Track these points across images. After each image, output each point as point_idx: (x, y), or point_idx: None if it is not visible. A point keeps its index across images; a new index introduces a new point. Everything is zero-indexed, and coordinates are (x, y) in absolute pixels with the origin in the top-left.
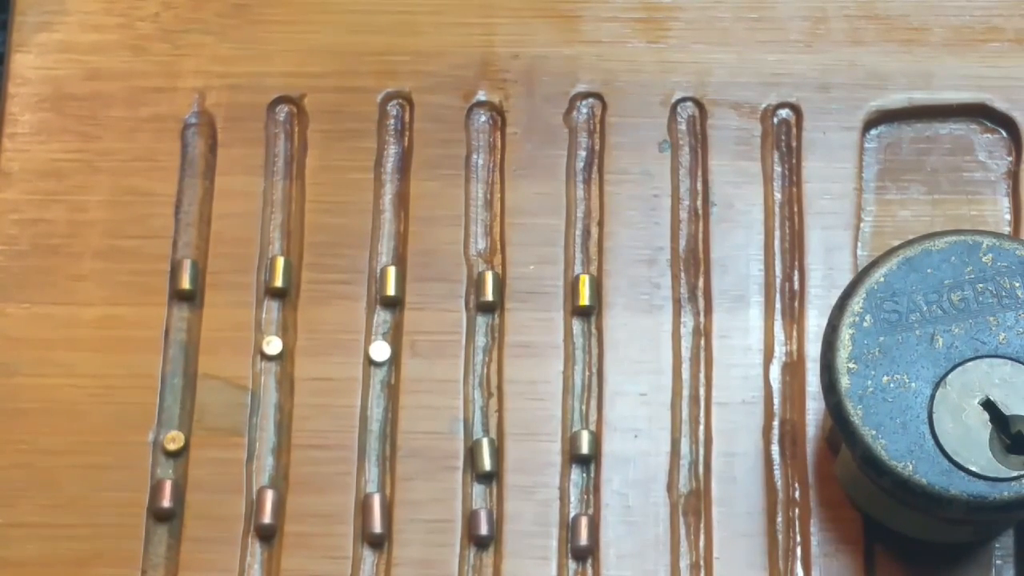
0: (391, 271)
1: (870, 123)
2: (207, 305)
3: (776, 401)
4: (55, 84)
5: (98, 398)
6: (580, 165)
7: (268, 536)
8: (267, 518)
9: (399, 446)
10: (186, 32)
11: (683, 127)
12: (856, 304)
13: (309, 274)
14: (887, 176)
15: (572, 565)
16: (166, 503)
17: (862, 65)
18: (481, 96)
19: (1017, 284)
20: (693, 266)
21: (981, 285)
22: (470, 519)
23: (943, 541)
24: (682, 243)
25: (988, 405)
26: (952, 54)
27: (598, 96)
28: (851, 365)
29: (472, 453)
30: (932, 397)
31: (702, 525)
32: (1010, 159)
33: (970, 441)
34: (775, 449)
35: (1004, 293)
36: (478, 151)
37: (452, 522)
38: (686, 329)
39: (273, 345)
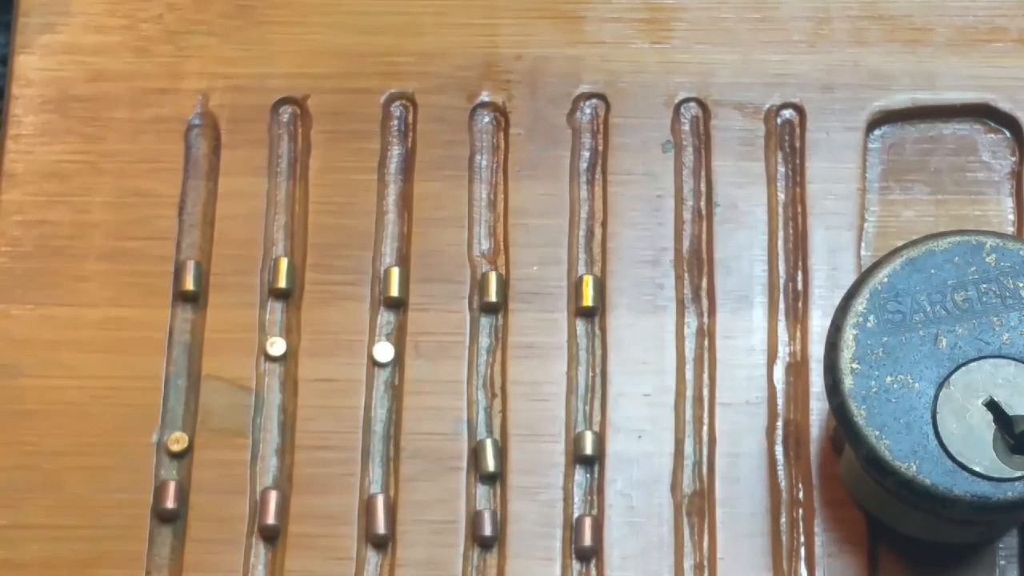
0: (395, 272)
1: (874, 123)
2: (211, 306)
3: (780, 402)
4: (59, 86)
5: (102, 399)
6: (584, 166)
7: (272, 537)
8: (271, 519)
9: (403, 447)
10: (190, 33)
11: (686, 128)
12: (860, 304)
13: (313, 275)
14: (891, 176)
15: (576, 566)
16: (170, 504)
17: (865, 65)
18: (484, 97)
19: (1021, 284)
20: (697, 267)
21: (985, 285)
22: (474, 520)
23: (947, 541)
24: (686, 244)
25: (992, 405)
26: (956, 54)
27: (601, 97)
28: (855, 366)
29: (476, 454)
30: (936, 397)
31: (706, 525)
32: (1014, 159)
33: (974, 441)
34: (779, 450)
35: (1008, 293)
36: (481, 152)
37: (456, 523)
38: (690, 330)
39: (277, 346)
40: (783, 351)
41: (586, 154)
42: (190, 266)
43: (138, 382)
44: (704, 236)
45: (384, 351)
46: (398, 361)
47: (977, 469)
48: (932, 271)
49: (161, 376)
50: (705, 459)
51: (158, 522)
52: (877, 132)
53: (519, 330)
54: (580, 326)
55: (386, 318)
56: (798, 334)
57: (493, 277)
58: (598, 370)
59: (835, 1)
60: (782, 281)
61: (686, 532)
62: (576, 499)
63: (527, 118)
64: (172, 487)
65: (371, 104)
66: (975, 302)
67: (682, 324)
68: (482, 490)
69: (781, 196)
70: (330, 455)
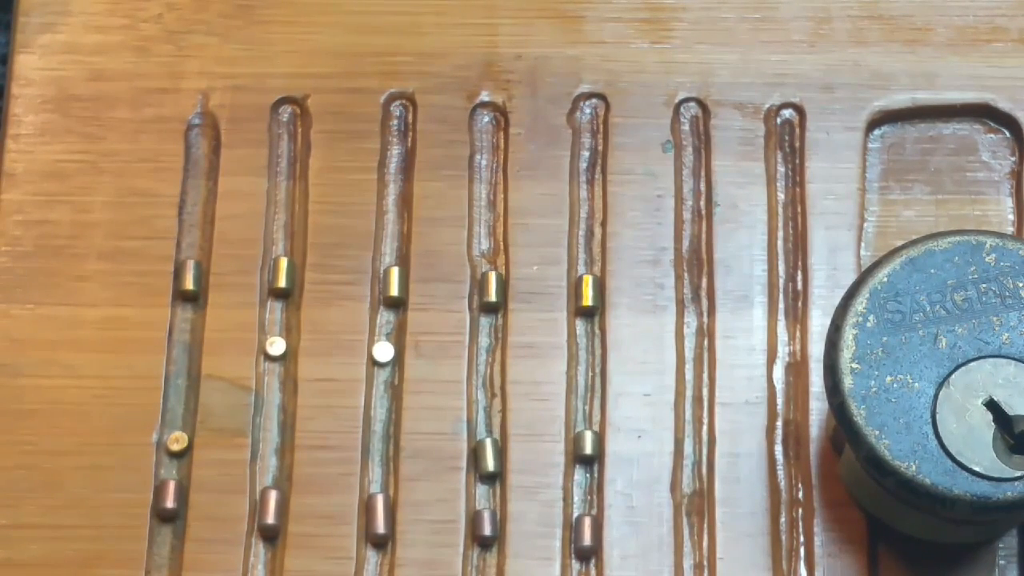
0: (394, 272)
1: (874, 123)
2: (211, 306)
3: (779, 401)
4: (59, 85)
5: (102, 399)
6: (583, 165)
7: (272, 537)
8: (271, 519)
9: (402, 447)
10: (190, 33)
11: (686, 127)
12: (860, 304)
13: (312, 275)
14: (891, 176)
15: (576, 565)
16: (170, 504)
17: (865, 65)
18: (484, 97)
19: (1020, 284)
20: (696, 266)
21: (984, 285)
22: (474, 519)
23: (947, 541)
24: (685, 243)
25: (991, 405)
26: (956, 54)
27: (601, 96)
28: (855, 365)
29: (476, 453)
30: (936, 397)
31: (706, 525)
32: (1013, 159)
33: (974, 441)
34: (779, 449)
35: (1007, 293)
36: (481, 152)
37: (456, 523)
38: (689, 329)
39: (276, 346)
40: (783, 351)
41: (586, 154)
42: (190, 266)
43: (138, 382)
44: (704, 236)
45: (384, 351)
46: (398, 361)
47: (977, 469)
48: (932, 271)
49: (161, 376)
50: (705, 459)
51: (158, 522)
52: (877, 132)
53: (519, 330)
54: (580, 326)
55: (386, 318)
56: (798, 334)
57: (493, 277)
58: (598, 370)
59: (835, 1)
60: (782, 281)
61: (686, 532)
62: (576, 499)
63: (527, 118)
64: (172, 487)
65: (371, 104)
66: (975, 302)
67: (682, 324)
68: (482, 490)
69: (781, 196)
70: (330, 455)
